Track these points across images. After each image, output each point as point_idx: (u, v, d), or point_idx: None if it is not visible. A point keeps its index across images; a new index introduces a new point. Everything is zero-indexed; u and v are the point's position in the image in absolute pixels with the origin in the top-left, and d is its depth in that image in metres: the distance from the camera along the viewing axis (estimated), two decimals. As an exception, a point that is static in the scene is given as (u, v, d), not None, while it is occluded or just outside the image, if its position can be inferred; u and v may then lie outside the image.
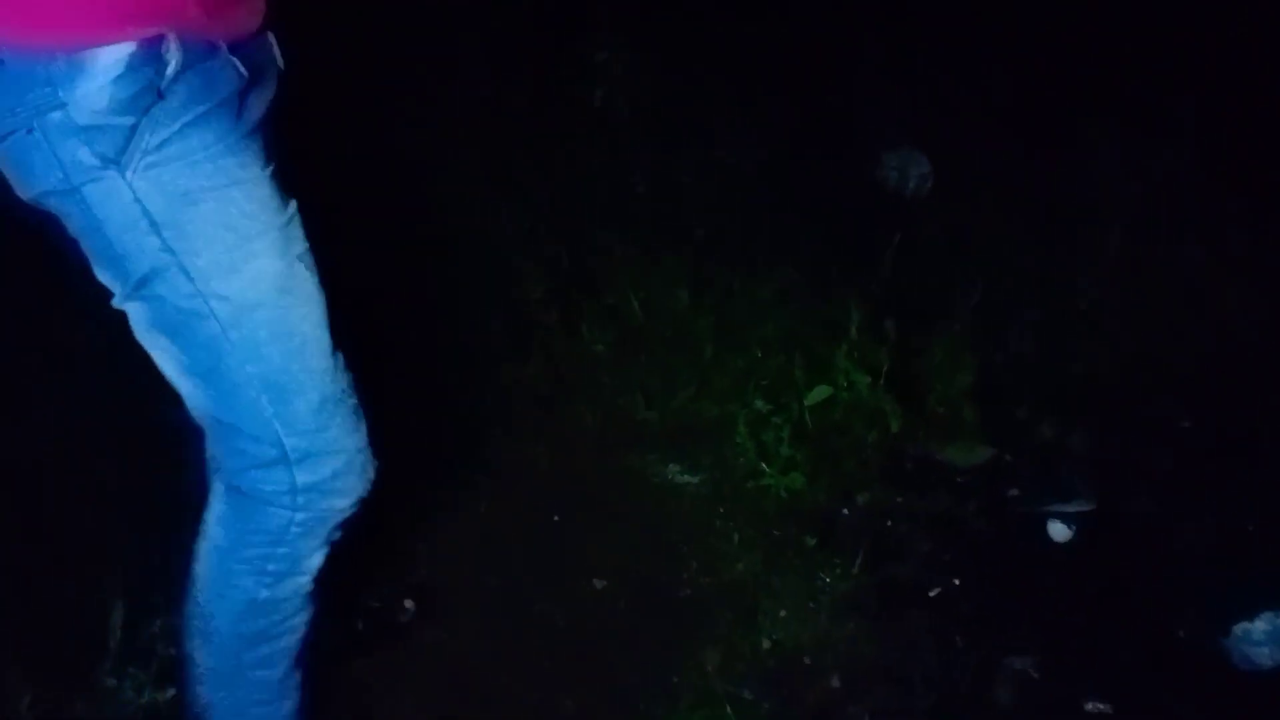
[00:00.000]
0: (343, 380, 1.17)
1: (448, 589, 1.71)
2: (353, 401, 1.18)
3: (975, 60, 2.96)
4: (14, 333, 2.14)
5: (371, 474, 1.23)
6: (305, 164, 1.17)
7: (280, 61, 1.16)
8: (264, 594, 1.24)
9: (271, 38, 1.15)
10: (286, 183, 1.13)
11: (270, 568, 1.24)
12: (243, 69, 1.06)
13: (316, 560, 1.25)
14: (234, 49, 1.06)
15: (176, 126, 1.02)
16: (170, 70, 1.00)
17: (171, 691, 1.52)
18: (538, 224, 2.39)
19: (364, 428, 1.20)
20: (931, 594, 1.74)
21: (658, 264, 2.30)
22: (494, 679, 1.61)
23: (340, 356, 1.17)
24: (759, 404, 2.01)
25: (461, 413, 1.94)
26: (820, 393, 1.96)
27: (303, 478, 1.18)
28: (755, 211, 2.48)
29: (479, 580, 1.75)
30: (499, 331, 2.14)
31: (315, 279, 1.12)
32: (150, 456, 1.91)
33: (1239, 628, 1.65)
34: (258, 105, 1.10)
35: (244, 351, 1.11)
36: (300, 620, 1.28)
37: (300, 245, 1.11)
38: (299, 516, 1.22)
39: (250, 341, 1.10)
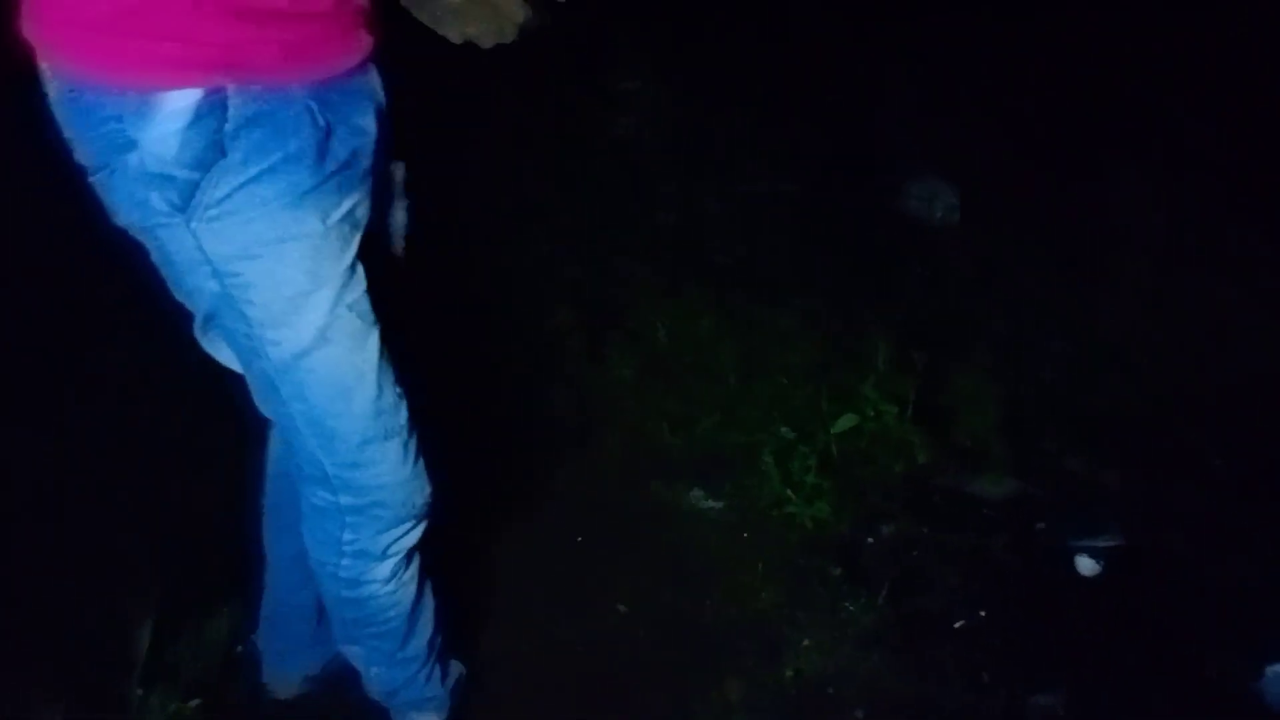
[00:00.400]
0: (391, 420, 1.20)
1: (471, 612, 1.71)
2: (401, 438, 1.22)
3: (1001, 92, 2.98)
4: (44, 354, 2.17)
5: (421, 500, 1.29)
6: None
7: (381, 97, 1.13)
8: (346, 593, 1.34)
9: (373, 73, 1.11)
10: (374, 211, 1.14)
11: (342, 575, 1.32)
12: (321, 118, 1.05)
13: (383, 570, 1.32)
14: (322, 90, 1.05)
15: (239, 182, 1.03)
16: (230, 125, 1.01)
17: (196, 703, 1.53)
18: (564, 252, 2.41)
19: (413, 460, 1.25)
20: (957, 626, 1.73)
21: (683, 292, 2.31)
22: (515, 703, 1.61)
23: (392, 394, 1.20)
24: (784, 432, 2.01)
25: (488, 439, 1.95)
26: (846, 421, 1.95)
27: (346, 500, 1.25)
28: (780, 240, 2.50)
29: (502, 603, 1.75)
30: (525, 359, 2.15)
31: (367, 324, 1.14)
32: (179, 475, 1.93)
33: (1272, 670, 1.62)
34: (343, 146, 1.08)
35: (290, 391, 1.16)
36: (396, 613, 1.36)
37: (354, 292, 1.12)
38: (347, 535, 1.28)
39: (296, 384, 1.16)
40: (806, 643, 1.69)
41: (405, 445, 1.23)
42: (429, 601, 1.42)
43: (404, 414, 1.22)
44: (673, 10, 2.86)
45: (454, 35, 1.06)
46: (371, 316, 1.14)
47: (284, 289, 1.09)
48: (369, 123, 1.11)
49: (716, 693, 1.62)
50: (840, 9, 3.16)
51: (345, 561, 1.31)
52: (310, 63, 1.04)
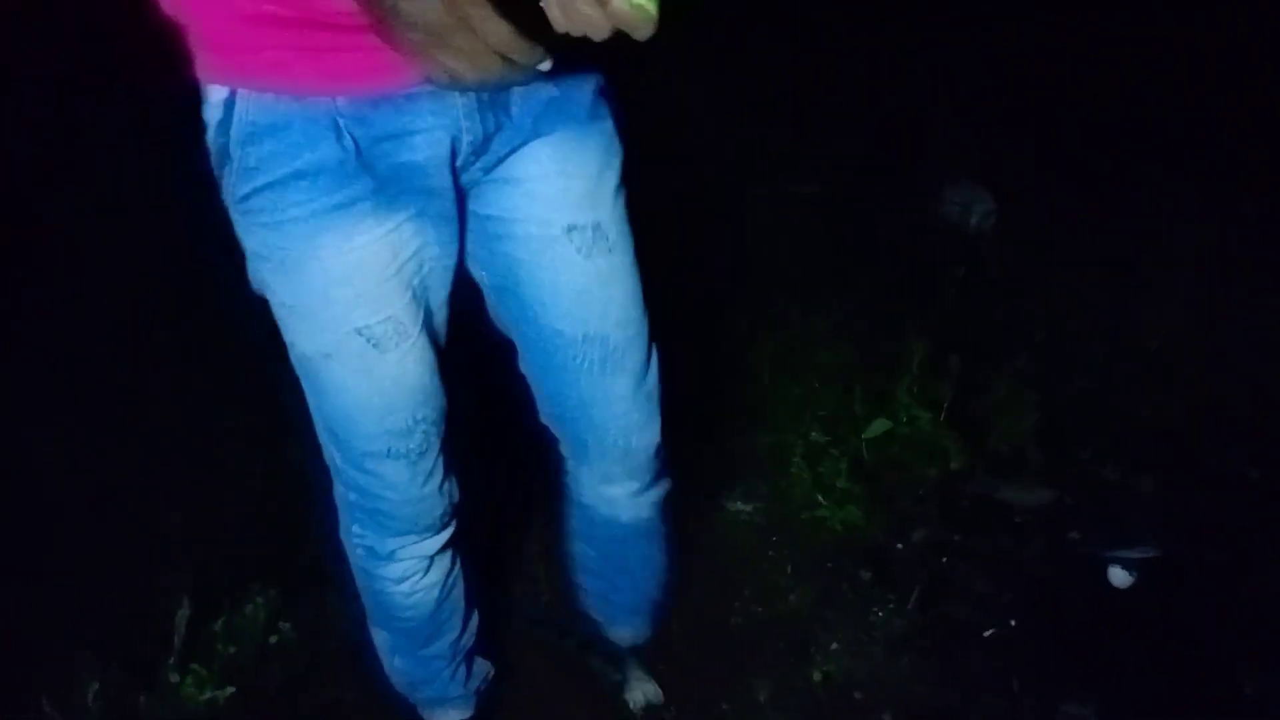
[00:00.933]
0: (399, 442, 1.17)
1: (501, 609, 1.73)
2: (409, 459, 1.19)
3: (1040, 99, 2.96)
4: (87, 346, 2.21)
5: (433, 517, 1.26)
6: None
7: (463, 122, 1.04)
8: (361, 581, 1.35)
9: (454, 96, 1.02)
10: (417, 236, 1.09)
11: (356, 563, 1.33)
12: (349, 135, 1.00)
13: (393, 571, 1.30)
14: (361, 105, 0.99)
15: (252, 187, 1.02)
16: (235, 131, 1.00)
17: (231, 690, 1.56)
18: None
19: (423, 481, 1.21)
20: (987, 635, 1.72)
21: (716, 292, 2.31)
22: (543, 701, 1.62)
23: (405, 418, 1.15)
24: (816, 435, 2.00)
25: (518, 437, 1.96)
26: (879, 426, 1.95)
27: (353, 497, 1.25)
28: (815, 243, 2.49)
29: (531, 601, 1.76)
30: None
31: (381, 350, 1.10)
32: (216, 462, 1.96)
33: (1309, 686, 1.60)
34: (384, 166, 1.02)
35: (308, 387, 1.17)
36: (414, 614, 1.35)
37: (371, 317, 1.08)
38: (356, 529, 1.29)
39: (307, 381, 1.16)
40: (835, 646, 1.69)
41: (414, 466, 1.19)
42: (457, 605, 1.39)
43: (417, 439, 1.17)
44: (712, 14, 2.86)
45: (434, 70, 0.87)
46: (392, 341, 1.10)
47: (292, 298, 1.08)
48: (431, 144, 1.03)
49: (744, 692, 1.62)
50: (880, 15, 3.15)
51: (358, 552, 1.31)
52: (336, 76, 0.97)
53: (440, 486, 1.24)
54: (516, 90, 1.05)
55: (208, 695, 1.55)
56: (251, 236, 1.06)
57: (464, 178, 1.09)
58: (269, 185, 1.01)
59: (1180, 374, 2.14)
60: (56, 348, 2.21)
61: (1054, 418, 2.04)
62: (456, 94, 1.02)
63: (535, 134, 1.09)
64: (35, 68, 2.89)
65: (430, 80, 0.88)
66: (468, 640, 1.46)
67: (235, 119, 1.00)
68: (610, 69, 1.14)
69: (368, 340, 1.09)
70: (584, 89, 1.11)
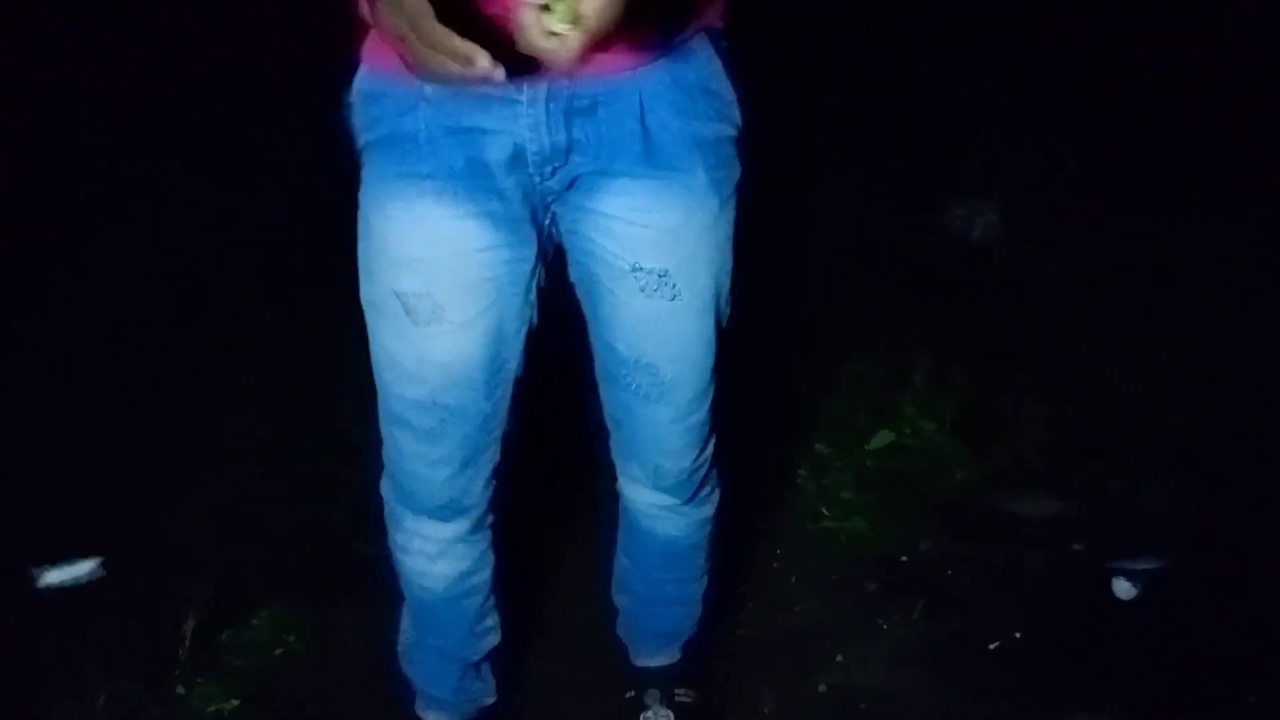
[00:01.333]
0: (414, 416, 1.21)
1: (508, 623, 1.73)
2: (415, 436, 1.23)
3: (1048, 113, 2.97)
4: (103, 360, 2.23)
5: (434, 503, 1.29)
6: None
7: (528, 132, 1.08)
8: (402, 557, 1.38)
9: (521, 105, 1.07)
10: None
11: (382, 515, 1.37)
12: (425, 115, 1.08)
13: (401, 538, 1.35)
14: (456, 97, 1.06)
15: (363, 141, 1.14)
16: (356, 92, 1.13)
17: (237, 702, 1.56)
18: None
19: (430, 465, 1.25)
20: (992, 646, 1.72)
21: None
22: (548, 710, 1.62)
23: (424, 391, 1.19)
24: (821, 447, 2.01)
25: (525, 451, 1.97)
26: (883, 438, 1.96)
27: (384, 449, 1.29)
28: (820, 252, 2.50)
29: (535, 612, 1.76)
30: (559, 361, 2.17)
31: (415, 320, 1.15)
32: (227, 474, 1.98)
33: (1315, 702, 1.59)
34: (458, 154, 1.09)
35: (368, 329, 1.23)
36: (426, 596, 1.39)
37: (412, 285, 1.14)
38: (383, 479, 1.33)
39: (368, 329, 1.23)
40: (841, 658, 1.69)
41: (420, 444, 1.23)
42: (467, 613, 1.40)
43: (431, 420, 1.21)
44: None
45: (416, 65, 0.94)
46: (424, 317, 1.15)
47: (361, 247, 1.18)
48: (499, 146, 1.09)
49: (750, 704, 1.62)
50: (886, 24, 3.17)
51: (384, 503, 1.36)
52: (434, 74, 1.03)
53: (450, 478, 1.26)
54: (600, 117, 1.09)
55: (214, 707, 1.56)
56: (360, 185, 1.17)
57: (541, 188, 1.13)
58: (369, 144, 1.13)
59: (1186, 386, 2.15)
60: (68, 358, 2.23)
61: (1059, 429, 2.04)
62: (524, 102, 1.07)
63: (613, 168, 1.12)
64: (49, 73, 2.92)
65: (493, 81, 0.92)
66: (473, 653, 1.46)
67: (358, 80, 1.13)
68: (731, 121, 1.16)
69: (403, 306, 1.16)
70: (676, 137, 1.12)
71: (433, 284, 1.14)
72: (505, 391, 1.24)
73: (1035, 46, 3.17)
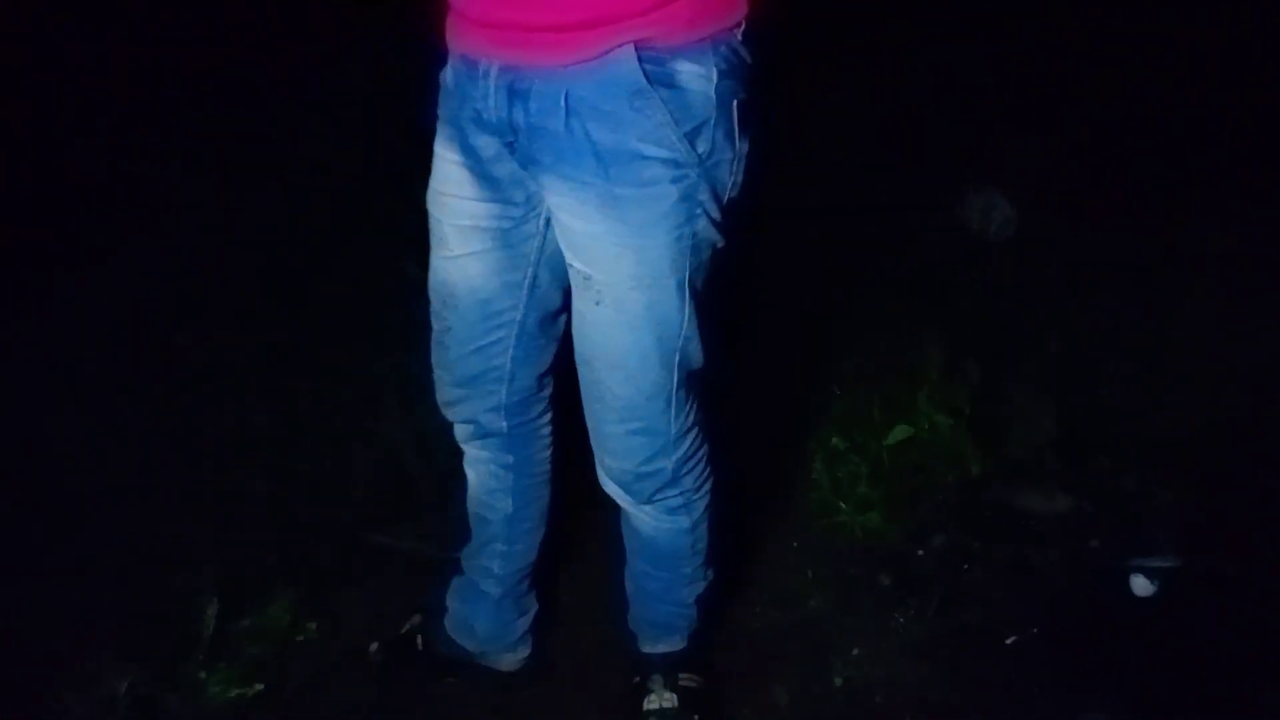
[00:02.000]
0: (436, 309, 1.36)
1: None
2: (435, 326, 1.37)
3: (1063, 107, 2.95)
4: (114, 349, 2.23)
5: (457, 376, 1.40)
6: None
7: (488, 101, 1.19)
8: (455, 435, 1.51)
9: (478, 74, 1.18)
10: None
11: None
12: (470, 93, 1.19)
13: (446, 407, 1.46)
14: (509, 71, 1.16)
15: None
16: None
17: (259, 687, 1.57)
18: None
19: (444, 349, 1.38)
20: (1008, 642, 1.72)
21: (734, 297, 2.31)
22: (564, 702, 1.63)
23: (436, 302, 1.35)
24: (836, 441, 2.01)
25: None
26: (900, 432, 1.95)
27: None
28: (835, 247, 2.49)
29: (552, 605, 1.76)
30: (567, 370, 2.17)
31: (434, 237, 1.32)
32: (243, 462, 1.98)
33: (1331, 698, 1.59)
34: (489, 145, 1.22)
35: None
36: (476, 507, 1.55)
37: (433, 212, 1.31)
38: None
39: None
40: (856, 652, 1.70)
41: (435, 342, 1.39)
42: (505, 510, 1.51)
43: (438, 325, 1.37)
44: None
45: None
46: (437, 240, 1.32)
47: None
48: (476, 104, 1.19)
49: (764, 698, 1.63)
50: (901, 20, 3.16)
51: None
52: (473, 42, 1.19)
53: (454, 385, 1.40)
54: (532, 107, 1.15)
55: (234, 693, 1.56)
56: None
57: (512, 160, 1.23)
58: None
59: (1201, 382, 2.14)
60: (81, 349, 2.23)
61: (1074, 425, 2.04)
62: (482, 75, 1.18)
63: (544, 161, 1.19)
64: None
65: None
66: (511, 568, 1.55)
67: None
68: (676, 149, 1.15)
69: (430, 225, 1.34)
70: (595, 145, 1.14)
71: (440, 214, 1.31)
72: (506, 333, 1.35)
73: (1050, 42, 3.16)
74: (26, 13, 2.89)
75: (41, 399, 2.11)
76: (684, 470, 1.37)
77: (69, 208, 2.59)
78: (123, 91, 2.89)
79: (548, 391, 1.45)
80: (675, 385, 1.28)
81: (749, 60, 1.17)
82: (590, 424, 1.35)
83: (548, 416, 1.48)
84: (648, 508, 1.41)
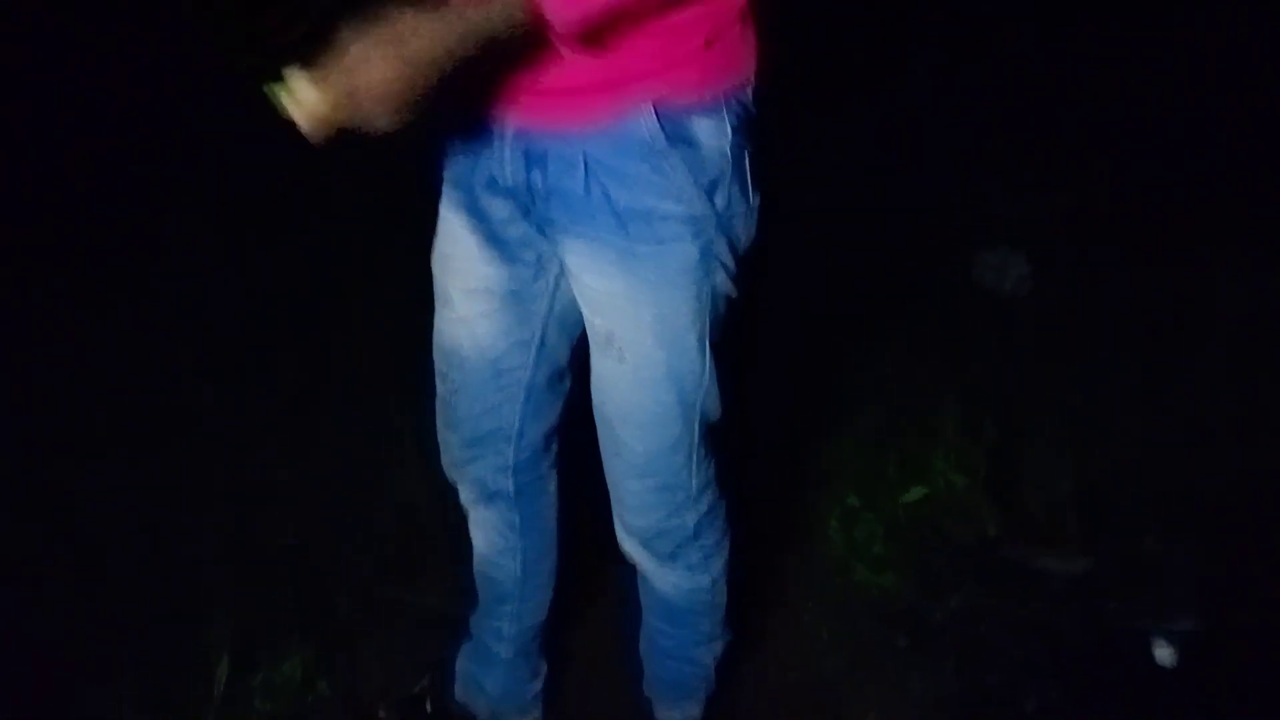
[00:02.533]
0: (440, 370, 1.35)
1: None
2: (441, 388, 1.37)
3: (1077, 165, 2.97)
4: (128, 396, 2.25)
5: (444, 463, 1.42)
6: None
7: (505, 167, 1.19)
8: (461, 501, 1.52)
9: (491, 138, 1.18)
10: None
11: None
12: (481, 154, 1.19)
13: (450, 470, 1.47)
14: (522, 132, 1.16)
15: None
16: None
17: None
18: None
19: (450, 411, 1.38)
20: (1028, 708, 1.69)
21: (748, 354, 2.32)
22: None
23: (440, 363, 1.35)
24: (851, 499, 2.00)
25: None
26: (916, 493, 1.95)
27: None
28: (849, 304, 2.50)
29: (568, 650, 1.75)
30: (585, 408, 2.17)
31: (438, 298, 1.31)
32: (257, 518, 1.99)
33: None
34: (499, 209, 1.22)
35: None
36: (484, 569, 1.55)
37: (437, 273, 1.31)
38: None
39: None
40: (872, 715, 1.68)
41: (440, 402, 1.39)
42: (515, 573, 1.50)
43: (444, 387, 1.36)
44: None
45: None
46: (442, 300, 1.32)
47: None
48: (491, 168, 1.19)
49: (779, 760, 1.61)
50: (914, 74, 3.20)
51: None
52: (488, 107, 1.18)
53: (461, 447, 1.40)
54: (550, 169, 1.16)
55: (246, 751, 1.56)
56: None
57: (524, 222, 1.24)
58: None
59: (1219, 442, 2.12)
60: (98, 400, 2.25)
61: (1091, 485, 2.02)
62: (498, 137, 1.18)
63: (562, 221, 1.18)
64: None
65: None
66: (522, 627, 1.54)
67: None
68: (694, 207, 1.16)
69: (437, 288, 1.33)
70: (614, 204, 1.14)
71: (446, 277, 1.31)
72: (515, 393, 1.35)
73: (1065, 98, 3.19)
74: (26, 12, 2.92)
75: (59, 448, 2.13)
76: (704, 526, 1.37)
77: (91, 256, 2.63)
78: (142, 139, 2.94)
79: (554, 450, 1.45)
80: (696, 440, 1.28)
81: (756, 114, 1.19)
82: (610, 481, 1.35)
83: (554, 475, 1.48)
84: (668, 565, 1.41)
